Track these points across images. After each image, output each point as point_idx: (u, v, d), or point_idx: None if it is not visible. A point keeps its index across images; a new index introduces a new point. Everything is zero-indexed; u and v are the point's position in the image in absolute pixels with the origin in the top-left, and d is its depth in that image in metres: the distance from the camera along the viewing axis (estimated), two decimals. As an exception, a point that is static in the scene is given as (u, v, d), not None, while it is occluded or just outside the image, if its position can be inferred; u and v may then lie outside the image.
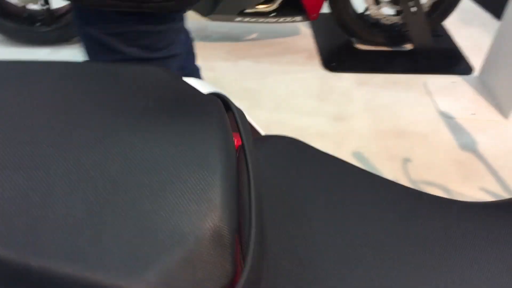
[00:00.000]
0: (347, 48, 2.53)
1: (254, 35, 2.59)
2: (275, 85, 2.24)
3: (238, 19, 2.25)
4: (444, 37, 2.64)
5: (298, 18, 2.31)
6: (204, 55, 2.41)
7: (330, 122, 2.03)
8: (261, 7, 2.23)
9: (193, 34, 2.53)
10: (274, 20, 2.29)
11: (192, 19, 2.58)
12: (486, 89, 2.26)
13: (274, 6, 2.23)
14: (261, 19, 2.26)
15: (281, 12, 2.28)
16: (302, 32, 2.65)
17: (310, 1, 2.21)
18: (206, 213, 0.37)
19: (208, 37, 2.55)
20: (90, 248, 0.34)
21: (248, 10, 2.23)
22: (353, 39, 2.57)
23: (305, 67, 2.37)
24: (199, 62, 1.28)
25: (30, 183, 0.37)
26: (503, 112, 2.11)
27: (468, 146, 1.93)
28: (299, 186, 0.55)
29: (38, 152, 0.39)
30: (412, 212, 0.55)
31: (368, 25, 2.47)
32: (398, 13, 2.45)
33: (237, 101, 2.10)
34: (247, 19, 2.25)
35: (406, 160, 1.85)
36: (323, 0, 2.25)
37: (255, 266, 0.37)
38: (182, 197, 0.38)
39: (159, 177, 0.39)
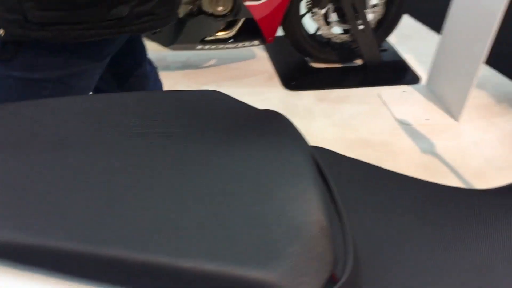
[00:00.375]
0: (304, 67, 2.65)
1: (212, 62, 2.66)
2: (240, 108, 2.31)
3: (199, 47, 2.31)
4: (390, 51, 2.83)
5: (256, 42, 2.41)
6: (167, 84, 2.45)
7: (298, 138, 2.11)
8: (221, 34, 2.31)
9: (153, 65, 2.57)
10: (233, 45, 2.37)
11: (151, 50, 2.62)
12: (435, 96, 2.45)
13: (233, 32, 2.32)
14: (221, 46, 2.34)
15: (239, 37, 2.37)
16: (258, 56, 2.75)
17: (266, 25, 2.32)
18: (310, 210, 0.43)
19: (168, 67, 2.60)
20: (227, 247, 0.39)
21: (208, 38, 2.30)
22: (308, 59, 2.70)
23: (267, 88, 2.46)
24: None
25: (162, 196, 0.42)
26: (454, 116, 2.29)
27: (428, 149, 2.08)
28: (342, 192, 0.62)
29: (162, 172, 0.44)
30: (442, 205, 0.63)
31: (320, 44, 2.61)
32: (347, 31, 2.60)
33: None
34: (207, 46, 2.32)
35: (375, 167, 1.96)
36: (279, 24, 2.36)
37: (354, 253, 0.43)
38: (286, 199, 0.43)
39: (261, 184, 0.44)
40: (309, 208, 0.43)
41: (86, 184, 0.41)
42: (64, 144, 0.45)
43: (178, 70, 2.57)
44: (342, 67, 2.67)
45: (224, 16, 2.20)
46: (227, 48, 2.36)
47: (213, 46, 2.33)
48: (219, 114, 0.52)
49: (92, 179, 0.41)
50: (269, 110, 0.58)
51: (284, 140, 0.50)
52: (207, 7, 2.14)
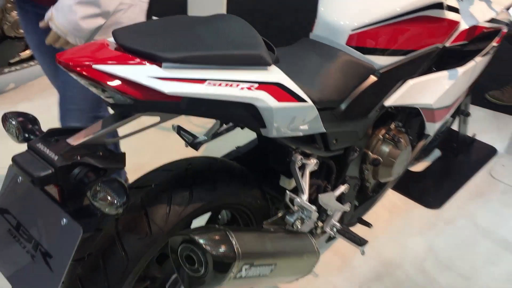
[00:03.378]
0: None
1: (12, 86, 2.91)
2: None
3: (7, 70, 2.59)
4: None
5: (51, 56, 2.80)
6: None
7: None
8: (24, 54, 2.64)
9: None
10: (35, 62, 2.72)
11: None
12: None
13: (33, 51, 2.67)
14: (25, 65, 2.67)
15: (37, 55, 2.73)
16: (47, 72, 3.10)
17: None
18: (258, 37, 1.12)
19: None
20: (241, 46, 1.04)
21: (13, 60, 2.60)
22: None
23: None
24: None
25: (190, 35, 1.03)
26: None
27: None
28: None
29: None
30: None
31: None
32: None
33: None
34: (14, 68, 2.62)
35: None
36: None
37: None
38: (249, 33, 1.10)
39: (238, 29, 1.10)
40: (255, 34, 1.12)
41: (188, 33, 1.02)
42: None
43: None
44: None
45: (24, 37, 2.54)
46: (30, 66, 2.70)
47: (18, 67, 2.64)
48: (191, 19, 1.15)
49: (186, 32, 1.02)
50: (221, 14, 1.21)
51: (238, 20, 1.16)
52: (9, 32, 2.45)
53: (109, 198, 0.87)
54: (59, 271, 0.93)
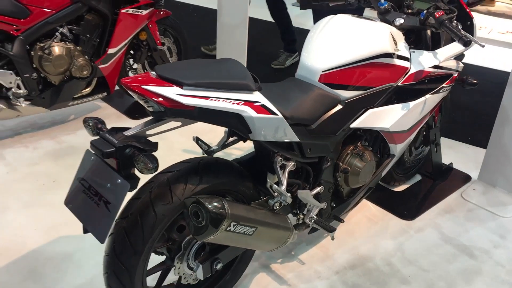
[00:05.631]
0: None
1: (73, 117, 3.61)
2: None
3: (71, 103, 3.29)
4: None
5: (105, 93, 3.48)
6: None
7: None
8: (84, 91, 3.33)
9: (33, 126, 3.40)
10: (92, 98, 3.41)
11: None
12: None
13: (91, 88, 3.36)
14: (85, 100, 3.36)
15: (94, 92, 3.41)
16: (102, 107, 3.81)
17: (111, 80, 3.43)
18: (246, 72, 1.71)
19: (42, 126, 3.44)
20: (233, 78, 1.63)
21: (76, 96, 3.30)
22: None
23: (122, 122, 3.56)
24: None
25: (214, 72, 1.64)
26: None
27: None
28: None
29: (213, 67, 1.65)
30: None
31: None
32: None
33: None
34: (76, 102, 3.31)
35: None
36: (117, 78, 3.49)
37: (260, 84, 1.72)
38: (240, 70, 1.70)
39: (233, 66, 1.70)
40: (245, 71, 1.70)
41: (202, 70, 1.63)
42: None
43: (45, 129, 3.45)
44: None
45: (87, 77, 3.24)
46: (89, 101, 3.39)
47: (79, 101, 3.34)
48: (206, 61, 1.74)
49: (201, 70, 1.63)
50: (226, 58, 1.80)
51: (236, 62, 1.75)
52: (76, 73, 3.15)
53: (148, 164, 1.46)
54: (114, 212, 1.51)
